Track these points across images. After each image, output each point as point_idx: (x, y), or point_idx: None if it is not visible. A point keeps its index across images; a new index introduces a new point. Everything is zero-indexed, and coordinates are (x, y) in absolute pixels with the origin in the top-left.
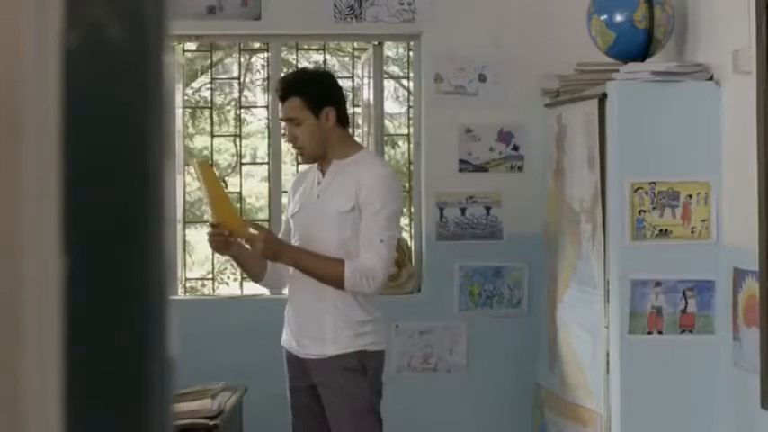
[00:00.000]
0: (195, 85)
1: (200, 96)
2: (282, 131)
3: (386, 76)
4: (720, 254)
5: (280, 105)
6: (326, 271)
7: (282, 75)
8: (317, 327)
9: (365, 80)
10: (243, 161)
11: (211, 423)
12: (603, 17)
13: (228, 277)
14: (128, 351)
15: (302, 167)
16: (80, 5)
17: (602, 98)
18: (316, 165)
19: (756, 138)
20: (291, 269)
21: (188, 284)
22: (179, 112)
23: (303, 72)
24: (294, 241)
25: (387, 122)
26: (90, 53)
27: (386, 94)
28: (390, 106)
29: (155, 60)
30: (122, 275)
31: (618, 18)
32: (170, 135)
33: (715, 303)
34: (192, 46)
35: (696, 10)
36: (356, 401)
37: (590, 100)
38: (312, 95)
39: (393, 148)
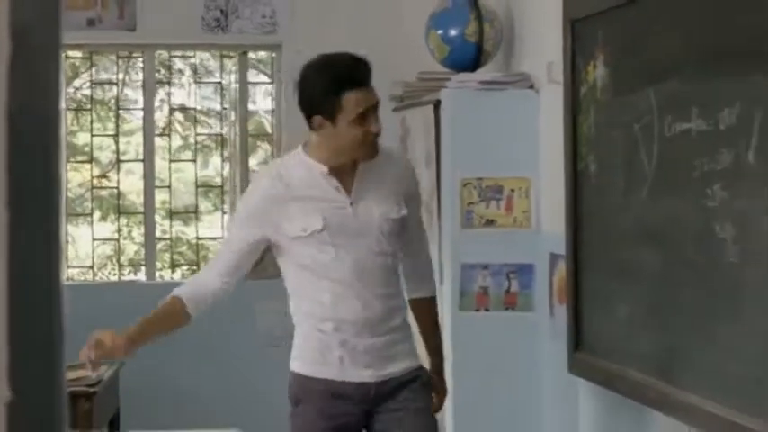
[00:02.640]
0: (77, 83)
1: (81, 95)
2: (360, 122)
3: (258, 81)
4: (539, 240)
5: (362, 94)
6: (437, 319)
7: (350, 55)
8: (403, 342)
9: (233, 83)
10: (125, 158)
11: (91, 390)
12: (440, 32)
13: (109, 272)
14: (36, 328)
15: (270, 174)
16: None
17: (438, 104)
18: (306, 165)
19: (564, 139)
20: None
21: (70, 275)
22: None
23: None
24: (337, 259)
25: (264, 121)
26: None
27: (262, 94)
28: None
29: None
30: (29, 264)
31: (452, 33)
32: (60, 150)
33: (534, 284)
34: (74, 53)
35: (521, 26)
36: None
37: (428, 105)
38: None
39: (270, 143)
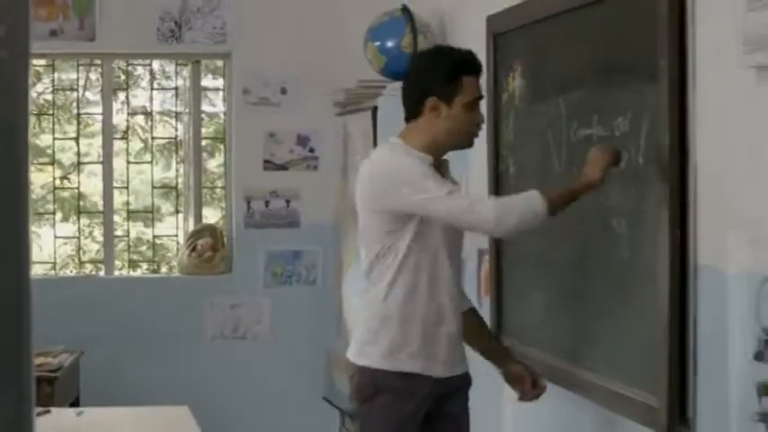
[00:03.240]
0: (39, 88)
1: (44, 100)
2: (472, 107)
3: (211, 87)
4: (470, 237)
5: (476, 82)
6: None
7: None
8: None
9: (188, 89)
10: (88, 160)
11: (52, 375)
12: (377, 43)
13: (71, 270)
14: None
15: (423, 159)
16: None
17: (375, 110)
18: (417, 155)
19: (487, 142)
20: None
21: (34, 271)
22: None
23: None
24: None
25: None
26: None
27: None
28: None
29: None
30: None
31: (389, 44)
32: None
33: (464, 278)
34: (38, 61)
35: (452, 39)
36: None
37: (366, 111)
38: None
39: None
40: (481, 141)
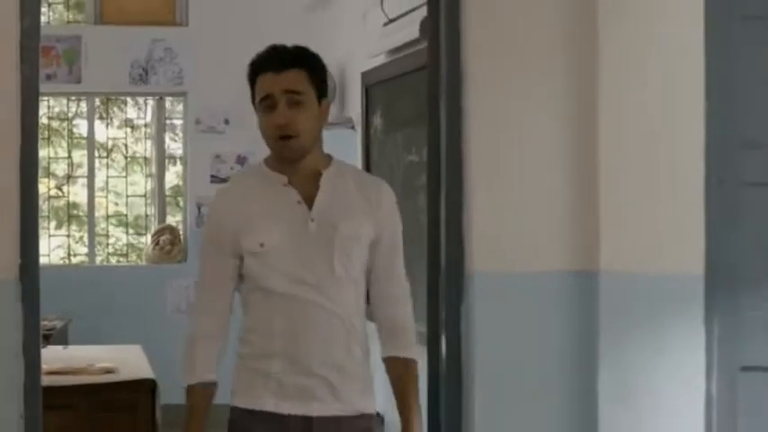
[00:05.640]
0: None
1: (42, 124)
2: (265, 110)
3: (173, 118)
4: None
5: (268, 79)
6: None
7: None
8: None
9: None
10: (80, 173)
11: (48, 333)
12: None
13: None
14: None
15: (228, 184)
16: None
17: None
18: (263, 177)
19: (361, 164)
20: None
21: None
22: None
23: (305, 48)
24: (289, 282)
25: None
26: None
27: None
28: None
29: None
30: (29, 234)
31: None
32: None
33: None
34: None
35: (349, 84)
36: None
37: None
38: (318, 74)
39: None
40: (360, 160)
